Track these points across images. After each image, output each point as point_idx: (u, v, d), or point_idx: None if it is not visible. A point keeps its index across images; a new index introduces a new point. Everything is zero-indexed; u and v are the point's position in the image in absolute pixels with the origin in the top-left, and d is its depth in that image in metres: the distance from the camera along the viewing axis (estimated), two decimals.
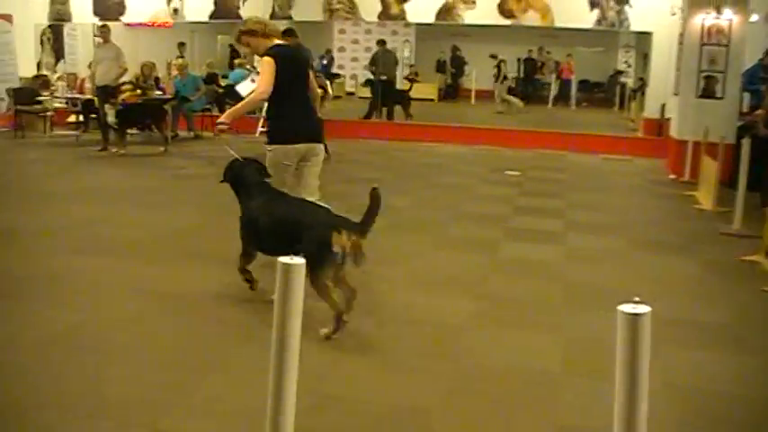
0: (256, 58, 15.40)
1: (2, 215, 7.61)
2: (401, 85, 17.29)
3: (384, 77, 15.31)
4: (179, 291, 5.17)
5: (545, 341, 4.42)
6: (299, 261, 1.94)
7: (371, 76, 15.87)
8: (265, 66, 5.26)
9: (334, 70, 20.63)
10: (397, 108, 15.65)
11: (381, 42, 16.36)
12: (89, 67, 13.61)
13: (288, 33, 11.28)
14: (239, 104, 5.83)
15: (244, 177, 4.95)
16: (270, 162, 5.30)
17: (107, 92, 11.59)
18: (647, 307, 1.84)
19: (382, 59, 15.54)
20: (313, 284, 4.06)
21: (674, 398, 3.67)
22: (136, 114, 12.11)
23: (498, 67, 19.64)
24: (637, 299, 1.87)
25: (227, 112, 5.83)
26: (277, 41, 5.47)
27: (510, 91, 20.05)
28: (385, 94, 15.37)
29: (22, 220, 7.37)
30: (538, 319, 4.82)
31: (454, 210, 8.14)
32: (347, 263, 4.27)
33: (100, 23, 13.67)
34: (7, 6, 15.14)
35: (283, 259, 1.95)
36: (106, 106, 11.43)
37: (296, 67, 5.42)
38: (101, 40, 12.30)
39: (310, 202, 4.99)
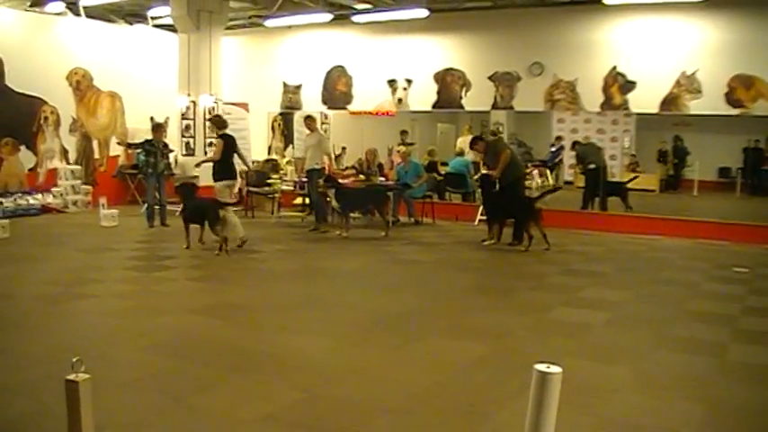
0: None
1: (231, 289, 8.31)
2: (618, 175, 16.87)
3: (593, 166, 15.02)
4: (394, 377, 5.35)
5: None
6: (557, 370, 2.01)
7: (591, 166, 15.56)
8: (219, 143, 11.34)
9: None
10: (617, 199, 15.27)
11: (577, 143, 16.03)
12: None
13: (476, 140, 11.66)
14: (206, 158, 12.68)
15: (184, 193, 10.97)
16: (220, 188, 11.04)
17: (314, 175, 12.48)
18: None
19: (587, 151, 15.29)
20: (212, 231, 10.14)
21: None
22: (359, 199, 12.75)
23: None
24: None
25: (202, 159, 12.96)
26: (225, 131, 11.42)
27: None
28: (596, 185, 15.03)
29: (247, 294, 8.02)
30: None
31: (677, 307, 7.80)
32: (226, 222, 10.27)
33: (305, 115, 14.40)
34: (245, 96, 16.63)
35: (540, 367, 2.02)
36: (328, 191, 12.16)
37: (231, 146, 11.34)
38: (307, 129, 13.10)
39: (211, 200, 10.64)
